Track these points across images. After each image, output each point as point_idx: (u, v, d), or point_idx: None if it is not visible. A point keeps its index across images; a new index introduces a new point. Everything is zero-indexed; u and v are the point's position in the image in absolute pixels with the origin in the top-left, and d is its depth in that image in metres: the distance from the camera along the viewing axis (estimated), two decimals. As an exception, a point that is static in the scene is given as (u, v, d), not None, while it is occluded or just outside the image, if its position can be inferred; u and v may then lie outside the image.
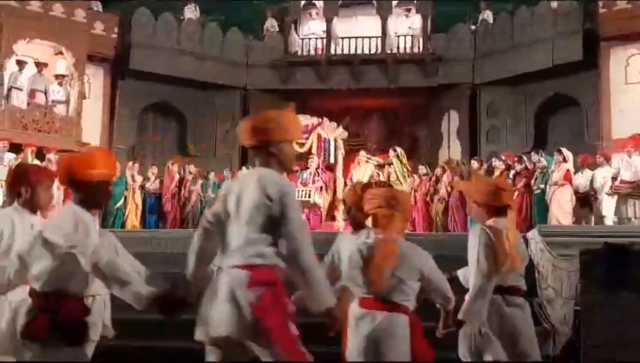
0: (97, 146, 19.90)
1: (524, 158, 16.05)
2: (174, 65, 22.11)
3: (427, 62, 22.44)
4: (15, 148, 16.70)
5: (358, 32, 23.10)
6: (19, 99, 18.35)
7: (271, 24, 24.29)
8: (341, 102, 23.16)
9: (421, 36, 22.83)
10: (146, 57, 21.72)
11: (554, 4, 20.62)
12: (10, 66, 18.37)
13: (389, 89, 22.75)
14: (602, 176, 14.82)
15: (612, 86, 18.70)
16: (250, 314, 3.79)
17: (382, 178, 16.37)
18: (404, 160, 16.88)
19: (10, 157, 15.90)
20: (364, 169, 16.77)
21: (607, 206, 14.64)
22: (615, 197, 14.53)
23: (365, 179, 16.40)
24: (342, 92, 22.94)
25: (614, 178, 14.51)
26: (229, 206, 4.09)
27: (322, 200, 16.07)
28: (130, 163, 18.29)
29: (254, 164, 4.35)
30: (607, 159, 15.22)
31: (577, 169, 15.18)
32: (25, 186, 5.14)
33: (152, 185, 17.81)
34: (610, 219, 14.52)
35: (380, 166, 16.86)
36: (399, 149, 17.07)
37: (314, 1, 23.77)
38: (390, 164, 16.78)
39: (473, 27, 22.79)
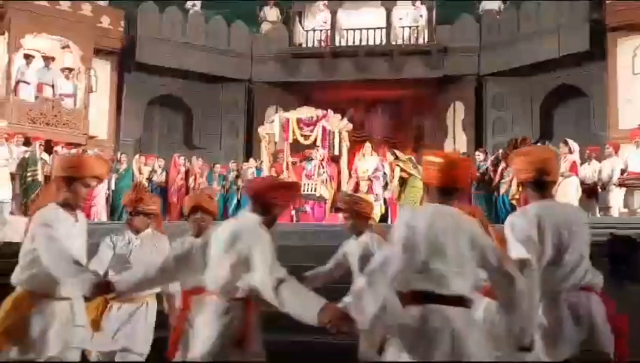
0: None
1: (530, 149, 16.03)
2: (180, 58, 22.18)
3: (432, 53, 22.43)
4: (24, 141, 16.77)
5: (363, 23, 23.06)
6: (27, 93, 18.42)
7: (276, 14, 24.28)
8: (346, 94, 23.17)
9: (426, 27, 22.80)
10: (152, 50, 21.78)
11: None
12: (18, 59, 18.44)
13: (394, 81, 22.72)
14: (610, 167, 14.81)
15: (619, 77, 18.64)
16: None
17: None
18: (404, 158, 16.74)
19: (20, 150, 15.97)
20: (368, 161, 16.77)
21: (614, 197, 14.65)
22: (623, 189, 14.53)
23: (370, 172, 16.45)
24: (347, 84, 22.94)
25: (623, 170, 14.50)
26: None
27: (327, 192, 16.12)
28: (137, 156, 18.39)
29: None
30: (616, 150, 15.20)
31: (584, 160, 15.16)
32: None
33: (158, 177, 17.88)
34: (616, 210, 14.53)
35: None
36: (397, 153, 16.95)
37: (318, -8, 23.78)
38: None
39: (480, 13, 22.77)
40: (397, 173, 16.02)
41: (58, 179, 4.87)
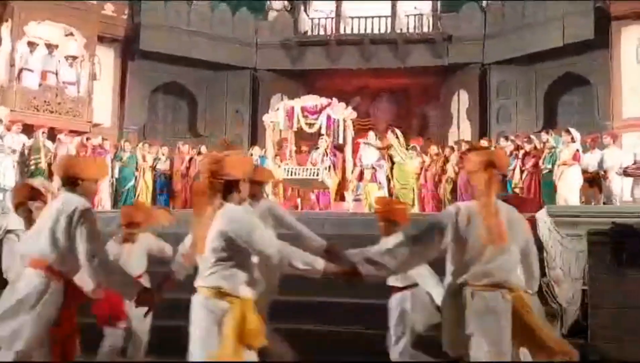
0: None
1: (533, 137, 16.03)
2: (184, 46, 22.14)
3: (437, 41, 22.40)
4: (27, 129, 16.78)
5: (368, 11, 23.03)
6: (30, 81, 18.43)
7: (282, 4, 24.24)
8: (351, 83, 23.17)
9: (431, 16, 22.80)
10: (156, 38, 21.74)
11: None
12: (21, 47, 18.43)
13: (399, 69, 22.73)
14: (612, 156, 14.76)
15: (623, 65, 18.58)
16: None
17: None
18: (402, 140, 16.73)
19: (22, 140, 15.98)
20: (370, 151, 16.76)
21: (617, 186, 14.61)
22: (629, 178, 14.50)
23: (372, 162, 16.44)
24: (352, 73, 22.95)
25: (634, 162, 14.46)
26: None
27: (330, 180, 16.10)
28: (141, 144, 18.40)
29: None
30: (614, 139, 15.15)
31: (585, 149, 15.10)
32: None
33: (163, 165, 17.90)
34: (619, 199, 14.49)
35: (384, 149, 16.73)
36: (396, 131, 17.01)
37: (323, -20, 23.75)
38: (390, 146, 16.65)
39: (485, 2, 22.69)
40: (397, 146, 16.05)
41: None
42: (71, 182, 4.93)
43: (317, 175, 15.67)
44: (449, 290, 4.70)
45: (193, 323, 4.28)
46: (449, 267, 4.70)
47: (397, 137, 16.35)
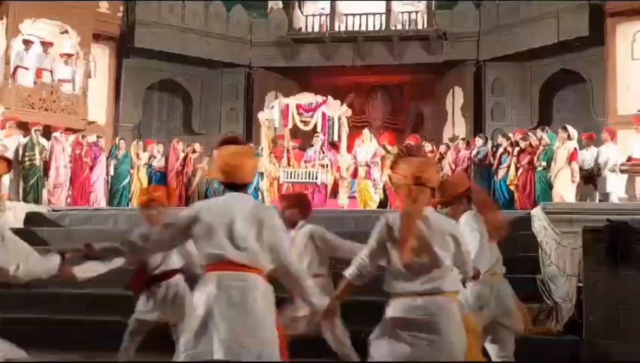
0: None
1: (530, 134, 16.03)
2: (179, 43, 22.13)
3: (431, 38, 22.37)
4: (22, 127, 16.76)
5: (362, 9, 22.97)
6: (26, 78, 18.39)
7: (274, 2, 24.24)
8: (346, 80, 23.18)
9: (425, 13, 22.74)
10: (151, 35, 21.72)
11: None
12: (17, 45, 18.38)
13: (394, 66, 22.71)
14: (607, 153, 14.78)
15: (618, 62, 18.56)
16: None
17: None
18: (394, 151, 16.65)
19: (19, 138, 15.94)
20: (366, 147, 16.76)
21: (612, 183, 14.62)
22: (622, 175, 14.52)
23: (368, 158, 16.44)
24: (346, 70, 22.95)
25: (629, 158, 14.48)
26: None
27: (327, 178, 16.11)
28: (135, 141, 18.41)
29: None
30: (612, 136, 15.17)
31: (581, 145, 15.12)
32: None
33: (157, 163, 17.89)
34: (615, 196, 14.51)
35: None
36: (387, 146, 17.05)
37: (317, -23, 23.71)
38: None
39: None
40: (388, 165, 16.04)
41: None
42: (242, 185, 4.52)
43: (316, 178, 15.78)
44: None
45: (444, 332, 4.21)
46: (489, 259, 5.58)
47: (388, 152, 16.35)
